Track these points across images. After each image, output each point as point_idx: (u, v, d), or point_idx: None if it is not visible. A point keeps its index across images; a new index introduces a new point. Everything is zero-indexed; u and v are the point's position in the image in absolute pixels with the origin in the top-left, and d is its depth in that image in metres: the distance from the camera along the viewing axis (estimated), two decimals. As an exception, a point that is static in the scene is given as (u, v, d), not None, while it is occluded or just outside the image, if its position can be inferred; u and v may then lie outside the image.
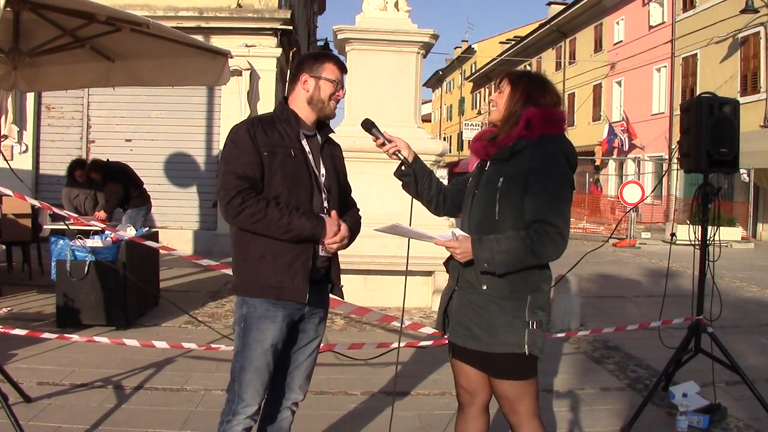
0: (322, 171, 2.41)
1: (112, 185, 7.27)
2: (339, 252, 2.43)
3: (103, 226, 5.43)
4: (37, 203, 3.54)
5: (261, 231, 2.22)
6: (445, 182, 2.55)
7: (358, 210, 2.61)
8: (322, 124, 2.48)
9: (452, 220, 6.75)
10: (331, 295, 2.54)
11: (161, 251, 6.89)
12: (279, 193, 2.25)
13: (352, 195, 2.66)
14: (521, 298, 2.16)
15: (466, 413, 2.39)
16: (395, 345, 4.34)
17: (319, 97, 2.38)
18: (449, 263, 2.39)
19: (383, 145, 2.45)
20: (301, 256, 2.28)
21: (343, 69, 2.43)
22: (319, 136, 2.46)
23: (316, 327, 2.46)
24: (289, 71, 2.42)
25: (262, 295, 2.27)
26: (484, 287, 2.17)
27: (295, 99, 2.41)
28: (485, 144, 2.32)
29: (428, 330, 4.37)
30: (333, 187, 2.43)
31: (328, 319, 2.58)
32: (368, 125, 2.48)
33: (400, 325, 3.44)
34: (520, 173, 2.14)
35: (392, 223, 2.27)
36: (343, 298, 2.58)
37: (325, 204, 2.37)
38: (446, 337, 2.38)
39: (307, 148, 2.38)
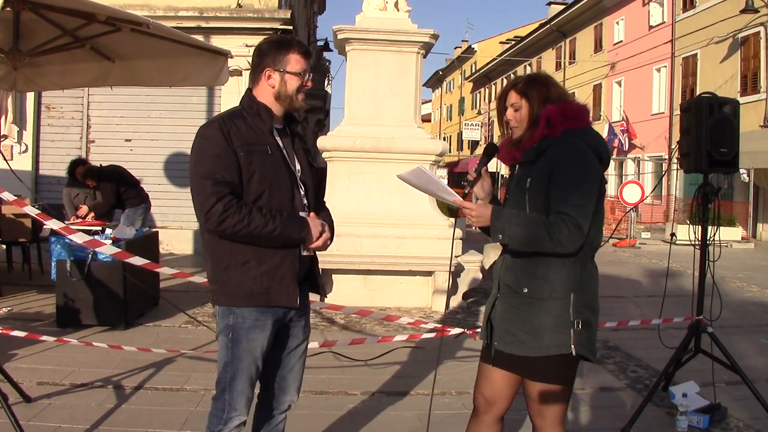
0: (298, 166, 2.31)
1: (103, 186, 7.30)
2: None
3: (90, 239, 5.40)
4: (33, 213, 3.52)
5: (242, 239, 2.11)
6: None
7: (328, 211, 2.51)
8: (289, 117, 2.37)
9: (452, 219, 6.75)
10: (327, 298, 2.50)
11: (160, 250, 6.89)
12: (259, 194, 2.14)
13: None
14: (563, 297, 2.12)
15: (480, 420, 2.34)
16: (397, 338, 4.36)
17: (287, 93, 2.25)
18: (492, 270, 2.37)
19: (476, 171, 2.29)
20: (287, 259, 2.20)
21: (307, 55, 2.28)
22: (288, 129, 2.36)
23: (303, 329, 2.41)
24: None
25: (250, 304, 2.18)
26: (525, 290, 2.15)
27: (260, 94, 2.27)
28: (510, 149, 2.30)
29: (430, 329, 4.38)
30: (309, 183, 2.34)
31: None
32: (491, 151, 2.34)
33: (406, 323, 3.43)
34: (545, 171, 2.13)
35: (416, 167, 2.19)
36: (326, 296, 2.54)
37: (304, 201, 2.29)
38: (490, 347, 2.31)
39: (281, 144, 2.27)
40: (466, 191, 2.30)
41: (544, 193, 2.12)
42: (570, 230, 2.04)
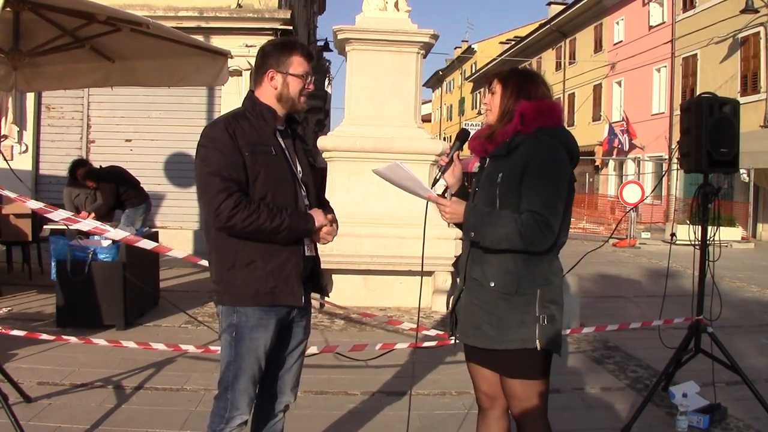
0: (299, 167, 2.33)
1: (103, 187, 7.30)
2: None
3: (96, 226, 5.39)
4: (36, 206, 3.51)
5: (251, 235, 2.13)
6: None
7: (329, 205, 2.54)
8: (290, 118, 2.38)
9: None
10: (327, 299, 2.51)
11: (161, 251, 6.89)
12: (264, 194, 2.16)
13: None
14: (530, 292, 2.14)
15: (487, 416, 2.37)
16: (398, 346, 4.35)
17: (289, 95, 2.27)
18: (458, 263, 2.39)
19: (449, 157, 2.32)
20: (292, 258, 2.22)
21: (310, 58, 2.30)
22: (289, 131, 2.38)
23: (304, 329, 2.41)
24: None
25: (255, 304, 2.19)
26: (492, 284, 2.16)
27: (262, 95, 2.28)
28: (483, 141, 2.31)
29: (431, 333, 4.38)
30: (310, 184, 2.36)
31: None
32: (464, 136, 2.35)
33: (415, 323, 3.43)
34: (517, 167, 2.14)
35: (393, 162, 2.19)
36: (328, 296, 2.55)
37: (306, 201, 2.31)
38: (453, 338, 2.36)
39: (283, 145, 2.29)
40: (437, 177, 2.33)
41: (515, 190, 2.13)
42: (541, 230, 2.06)
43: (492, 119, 2.28)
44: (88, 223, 3.63)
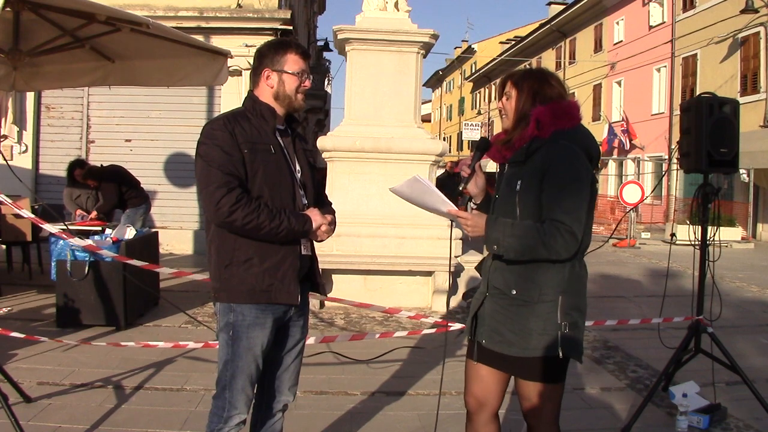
0: (298, 167, 2.34)
1: (106, 186, 7.30)
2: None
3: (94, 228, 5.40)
4: (28, 215, 3.53)
5: (250, 232, 2.13)
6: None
7: (331, 204, 2.55)
8: (291, 118, 2.39)
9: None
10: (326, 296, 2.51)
11: (160, 250, 6.90)
12: (262, 192, 2.17)
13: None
14: (552, 299, 2.11)
15: (474, 422, 2.33)
16: (397, 334, 4.37)
17: (285, 93, 2.28)
18: (481, 267, 2.37)
19: (470, 167, 2.29)
20: (289, 257, 2.23)
21: (306, 56, 2.31)
22: (289, 130, 2.38)
23: (301, 328, 2.42)
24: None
25: (251, 301, 2.20)
26: (514, 292, 2.14)
27: (261, 94, 2.30)
28: (500, 148, 2.28)
29: (458, 326, 4.41)
30: (308, 184, 2.37)
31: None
32: (484, 146, 2.32)
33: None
34: (536, 173, 2.11)
35: (411, 177, 2.16)
36: (325, 296, 2.55)
37: (304, 201, 2.32)
38: (465, 339, 2.34)
39: (282, 144, 2.30)
40: (461, 188, 2.31)
41: (535, 197, 2.11)
42: (564, 238, 2.03)
43: (508, 124, 2.26)
44: (79, 242, 3.66)
